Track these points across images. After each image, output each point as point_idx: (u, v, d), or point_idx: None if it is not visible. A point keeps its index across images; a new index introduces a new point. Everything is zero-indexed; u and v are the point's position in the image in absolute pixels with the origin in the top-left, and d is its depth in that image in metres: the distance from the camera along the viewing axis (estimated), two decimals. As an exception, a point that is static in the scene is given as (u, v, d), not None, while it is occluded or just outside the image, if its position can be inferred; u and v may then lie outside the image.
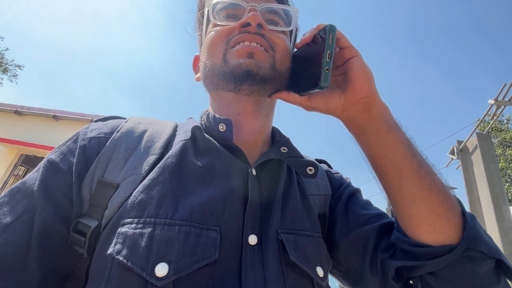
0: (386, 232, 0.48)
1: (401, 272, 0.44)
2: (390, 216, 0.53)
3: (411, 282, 0.45)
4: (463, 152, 4.04)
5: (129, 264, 0.34)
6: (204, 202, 0.40)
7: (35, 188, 0.41)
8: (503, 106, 3.81)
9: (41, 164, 0.44)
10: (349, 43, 0.47)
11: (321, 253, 0.48)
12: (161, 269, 0.33)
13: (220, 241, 0.38)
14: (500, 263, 0.40)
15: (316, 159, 0.68)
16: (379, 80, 0.47)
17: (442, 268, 0.40)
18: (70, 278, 0.42)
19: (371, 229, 0.49)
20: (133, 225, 0.36)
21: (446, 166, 4.56)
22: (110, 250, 0.35)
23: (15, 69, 16.27)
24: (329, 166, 0.68)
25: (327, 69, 0.43)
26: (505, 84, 3.54)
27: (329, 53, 0.43)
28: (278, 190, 0.49)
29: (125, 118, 0.53)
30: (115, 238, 0.36)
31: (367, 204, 0.56)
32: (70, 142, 0.47)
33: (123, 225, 0.37)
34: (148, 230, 0.36)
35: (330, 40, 0.43)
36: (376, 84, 0.46)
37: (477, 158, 3.65)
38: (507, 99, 3.60)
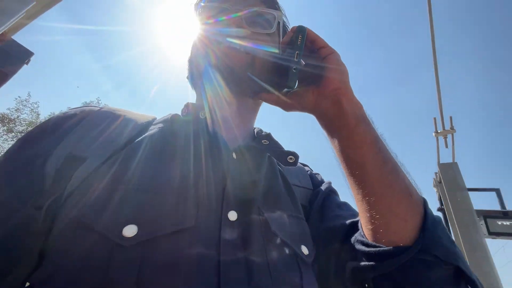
0: (355, 231, 0.46)
1: (357, 274, 0.42)
2: None
3: (366, 286, 0.42)
4: (441, 184, 3.91)
5: (94, 225, 0.32)
6: (183, 175, 0.40)
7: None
8: (451, 135, 3.91)
9: (13, 145, 0.43)
10: (325, 42, 0.49)
11: (306, 234, 0.47)
12: (130, 230, 0.32)
13: (197, 213, 0.37)
14: (460, 271, 0.37)
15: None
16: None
17: (394, 271, 0.38)
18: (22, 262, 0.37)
19: (340, 227, 0.48)
20: (104, 191, 0.35)
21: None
22: (75, 213, 0.34)
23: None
24: (310, 169, 0.69)
25: (294, 69, 0.44)
26: (435, 118, 3.68)
27: (296, 54, 0.44)
28: (260, 174, 0.48)
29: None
30: (81, 203, 0.35)
31: (344, 204, 0.56)
32: (43, 124, 0.46)
33: (93, 191, 0.36)
34: (119, 194, 0.35)
35: (299, 41, 0.45)
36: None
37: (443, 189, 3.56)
38: (448, 128, 3.72)
